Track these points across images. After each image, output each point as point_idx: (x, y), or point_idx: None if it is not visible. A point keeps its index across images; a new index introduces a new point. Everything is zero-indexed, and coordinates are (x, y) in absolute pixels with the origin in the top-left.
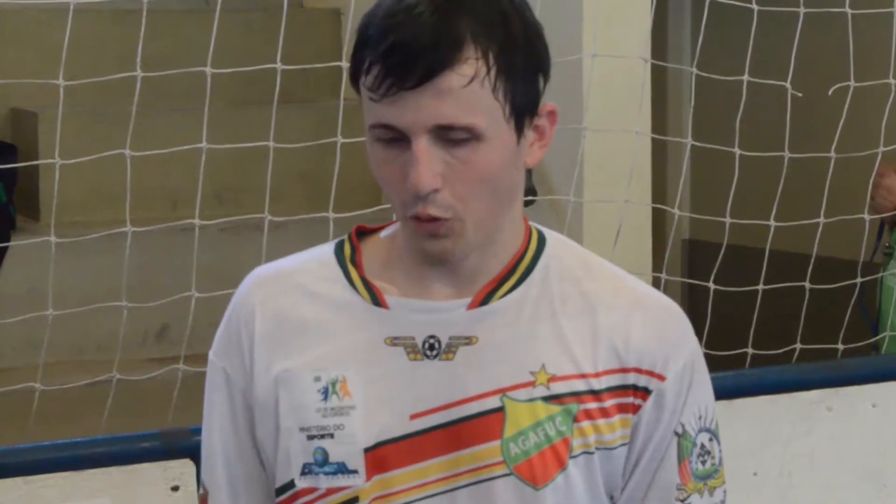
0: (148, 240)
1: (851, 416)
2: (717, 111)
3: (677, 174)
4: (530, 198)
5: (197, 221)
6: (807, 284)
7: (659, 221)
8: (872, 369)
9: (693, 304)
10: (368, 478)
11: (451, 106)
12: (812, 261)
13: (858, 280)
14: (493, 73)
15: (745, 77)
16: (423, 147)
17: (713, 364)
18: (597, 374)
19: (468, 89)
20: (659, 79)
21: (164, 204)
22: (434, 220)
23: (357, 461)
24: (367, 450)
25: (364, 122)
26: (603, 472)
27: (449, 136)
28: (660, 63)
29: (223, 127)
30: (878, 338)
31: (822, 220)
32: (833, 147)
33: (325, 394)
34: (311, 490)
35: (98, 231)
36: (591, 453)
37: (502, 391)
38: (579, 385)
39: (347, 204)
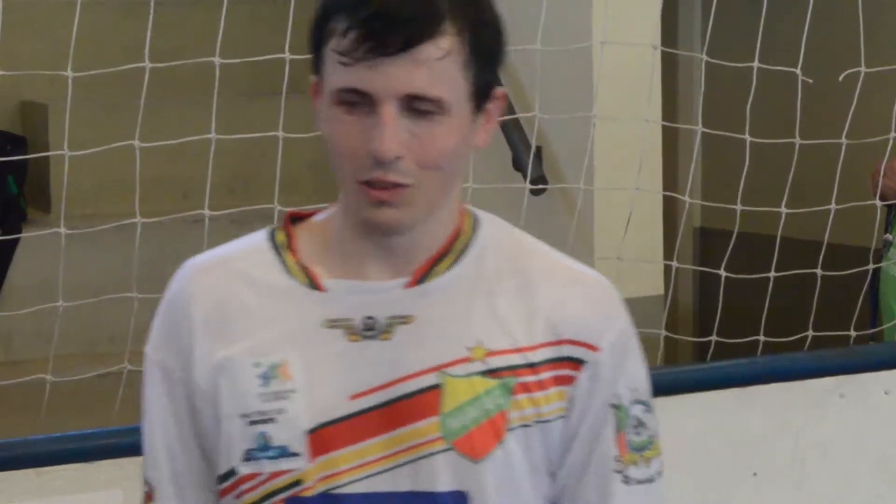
0: (158, 231)
1: (864, 403)
2: (727, 98)
3: (688, 162)
4: (541, 186)
5: (207, 212)
6: (818, 272)
7: (670, 209)
8: (885, 356)
9: (704, 291)
10: (311, 460)
11: (425, 76)
12: (823, 248)
13: (870, 267)
14: (466, 50)
15: (756, 63)
16: (391, 114)
17: (725, 352)
18: (533, 348)
19: (442, 63)
20: (669, 66)
21: (174, 195)
22: (390, 187)
23: (299, 444)
24: (309, 432)
25: (321, 87)
26: (541, 447)
27: (416, 106)
28: (670, 50)
29: (233, 118)
30: (880, 328)
31: (833, 206)
32: (844, 133)
33: (266, 379)
34: (254, 475)
35: (108, 222)
36: (529, 426)
37: (440, 368)
38: (516, 359)
39: None
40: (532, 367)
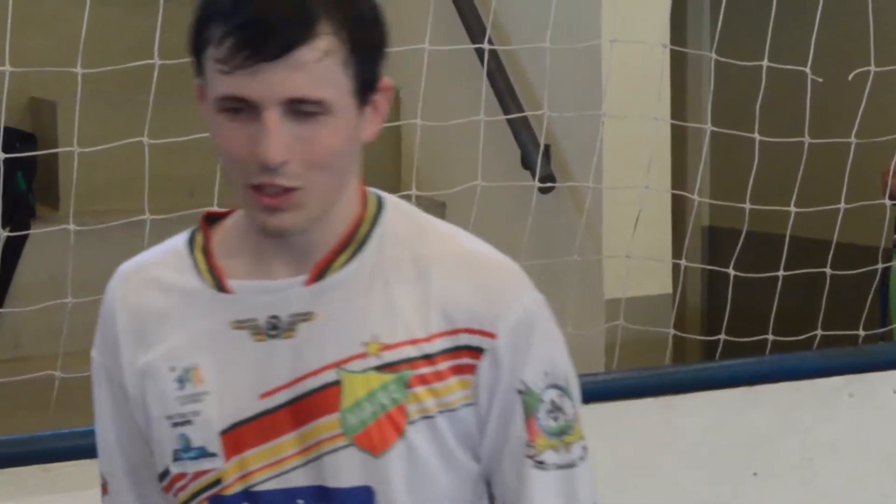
0: (166, 228)
1: (873, 402)
2: (736, 97)
3: (697, 160)
4: (549, 184)
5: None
6: (827, 271)
7: (678, 208)
8: (894, 356)
9: (713, 290)
10: (227, 459)
11: (305, 79)
12: (833, 247)
13: (880, 266)
14: (344, 49)
15: (765, 62)
16: (275, 119)
17: (733, 351)
18: (428, 339)
19: (322, 64)
20: (678, 64)
21: (181, 192)
22: (280, 194)
23: (215, 444)
24: (222, 432)
25: (205, 95)
26: (454, 435)
27: (299, 108)
28: (679, 49)
29: None
30: (889, 328)
31: (842, 205)
32: (854, 132)
33: (181, 382)
34: (183, 475)
35: (117, 219)
36: (432, 417)
37: (338, 364)
38: (411, 351)
39: None
40: (428, 358)
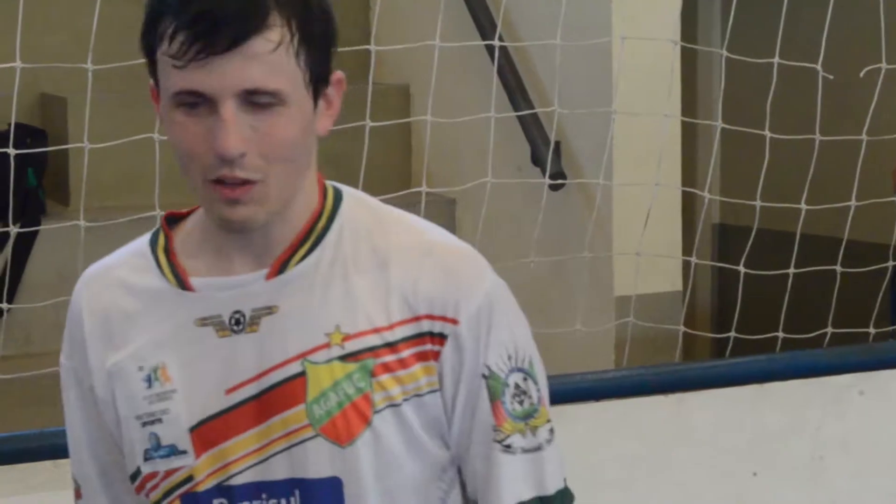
0: None
1: (884, 399)
2: (747, 94)
3: (707, 157)
4: (559, 181)
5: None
6: (838, 268)
7: (689, 205)
8: None
9: (723, 288)
10: (198, 456)
11: (259, 70)
12: (843, 244)
13: (890, 264)
14: (296, 40)
15: (776, 59)
16: (231, 111)
17: (744, 348)
18: (390, 327)
19: (274, 55)
20: (689, 61)
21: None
22: (239, 185)
23: (185, 442)
24: (191, 429)
25: (161, 90)
26: (421, 422)
27: (254, 100)
28: (690, 45)
29: None
30: None
31: (853, 203)
32: (864, 129)
33: (149, 381)
34: (154, 474)
35: (128, 215)
36: (398, 405)
37: (302, 356)
38: (373, 340)
39: (376, 187)
40: (390, 346)
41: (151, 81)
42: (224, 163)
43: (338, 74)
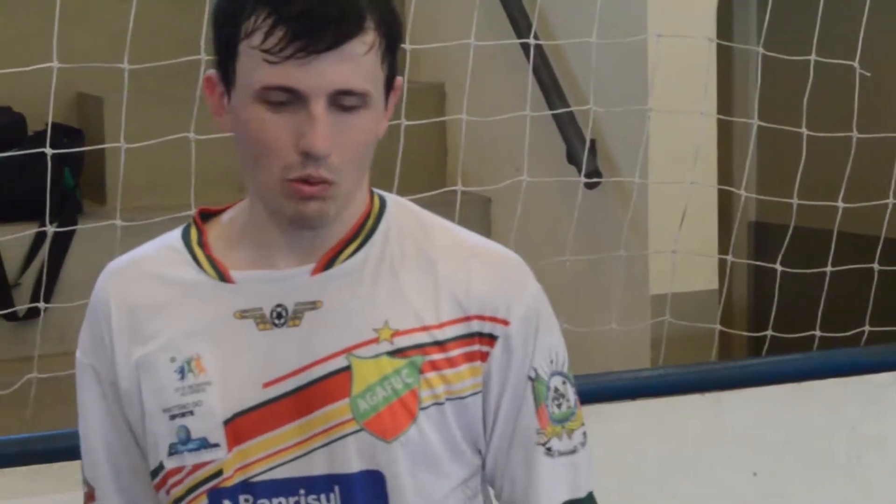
0: None
1: None
2: (783, 91)
3: (744, 155)
4: (595, 179)
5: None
6: (875, 266)
7: (725, 203)
8: None
9: (760, 286)
10: (230, 449)
11: (353, 72)
12: (881, 242)
13: None
14: (383, 44)
15: (813, 56)
16: (323, 110)
17: (781, 347)
18: (440, 326)
19: (367, 57)
20: (725, 59)
21: (229, 187)
22: (320, 183)
23: (217, 435)
24: (225, 422)
25: (233, 83)
26: (458, 423)
27: (343, 101)
28: (726, 43)
29: None
30: None
31: (891, 200)
32: None
33: (182, 373)
34: (179, 469)
35: (164, 214)
36: (441, 404)
37: (348, 350)
38: (422, 337)
39: (412, 187)
40: (440, 344)
41: (212, 72)
42: (309, 161)
43: (399, 80)
